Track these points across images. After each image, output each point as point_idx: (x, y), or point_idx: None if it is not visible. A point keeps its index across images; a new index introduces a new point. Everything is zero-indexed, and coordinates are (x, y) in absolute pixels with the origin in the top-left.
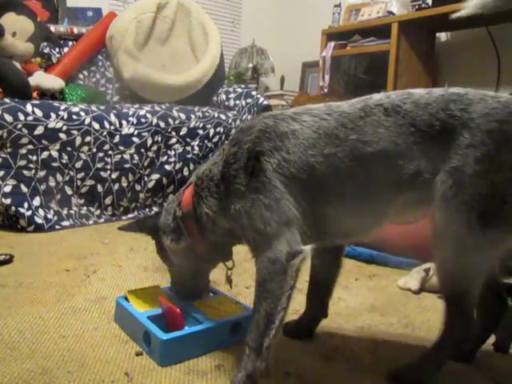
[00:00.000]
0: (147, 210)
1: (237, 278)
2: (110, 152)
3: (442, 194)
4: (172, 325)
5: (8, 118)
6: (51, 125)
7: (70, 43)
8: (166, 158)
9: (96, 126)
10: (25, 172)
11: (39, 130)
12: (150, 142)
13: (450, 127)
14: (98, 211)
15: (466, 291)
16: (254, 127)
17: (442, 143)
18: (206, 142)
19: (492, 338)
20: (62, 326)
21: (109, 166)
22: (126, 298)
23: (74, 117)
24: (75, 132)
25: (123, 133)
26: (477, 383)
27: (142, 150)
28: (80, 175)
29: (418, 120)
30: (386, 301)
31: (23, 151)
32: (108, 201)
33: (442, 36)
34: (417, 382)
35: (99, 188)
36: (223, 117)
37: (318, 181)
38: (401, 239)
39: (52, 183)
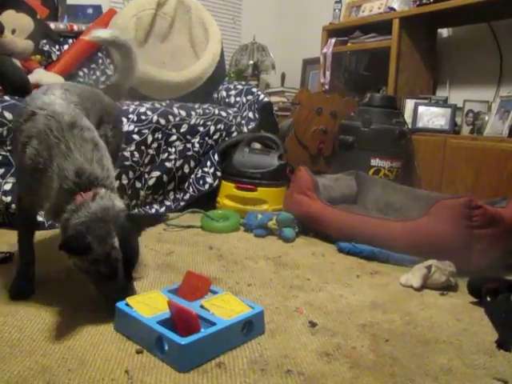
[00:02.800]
0: (147, 207)
1: (238, 275)
2: None
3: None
4: (185, 328)
5: (8, 115)
6: None
7: (70, 40)
8: (166, 155)
9: None
10: None
11: None
12: (150, 139)
13: (99, 112)
14: None
15: None
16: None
17: (99, 120)
18: (206, 139)
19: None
20: (62, 324)
21: None
22: (127, 305)
23: None
24: None
25: (123, 130)
26: (478, 382)
27: (143, 148)
28: None
29: (87, 106)
30: (387, 298)
31: None
32: None
33: (444, 32)
34: None
35: None
36: (224, 114)
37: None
38: (403, 236)
39: None
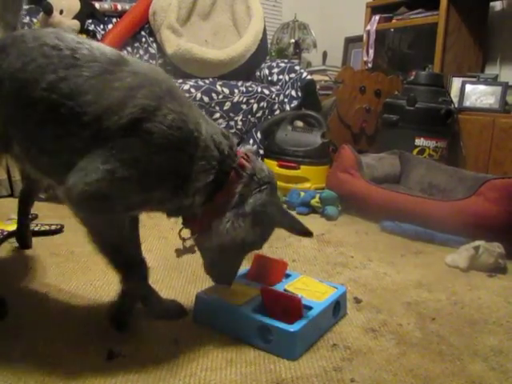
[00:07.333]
0: None
1: (282, 252)
2: None
3: None
4: (284, 314)
5: None
6: None
7: (114, 20)
8: None
9: None
10: None
11: None
12: None
13: None
14: None
15: None
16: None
17: None
18: (249, 116)
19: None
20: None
21: None
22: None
23: None
24: None
25: None
26: None
27: None
28: None
29: None
30: (433, 277)
31: None
32: None
33: (497, 5)
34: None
35: None
36: (266, 92)
37: None
38: (449, 216)
39: None
